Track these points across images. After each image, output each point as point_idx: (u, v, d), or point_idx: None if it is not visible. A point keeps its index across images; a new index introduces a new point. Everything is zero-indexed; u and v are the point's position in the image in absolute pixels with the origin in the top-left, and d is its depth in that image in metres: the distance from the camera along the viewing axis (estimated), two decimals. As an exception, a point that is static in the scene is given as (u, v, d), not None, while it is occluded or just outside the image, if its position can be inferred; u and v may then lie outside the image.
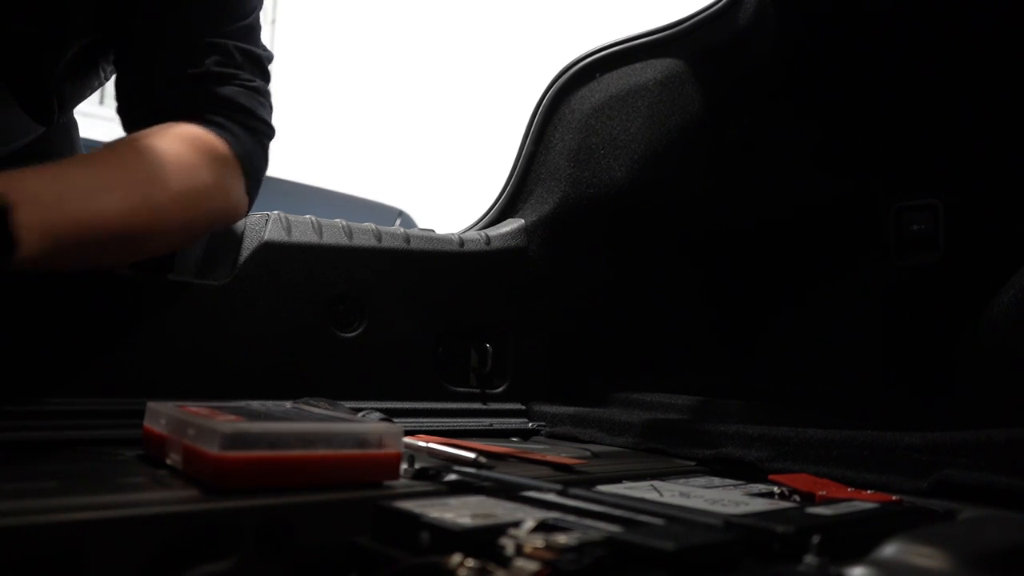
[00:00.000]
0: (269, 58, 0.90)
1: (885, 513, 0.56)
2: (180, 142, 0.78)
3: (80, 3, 0.85)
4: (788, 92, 1.13)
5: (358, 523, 0.49)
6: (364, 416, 0.80)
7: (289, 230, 0.92)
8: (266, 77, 0.89)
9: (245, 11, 0.87)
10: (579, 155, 1.11)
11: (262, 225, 0.91)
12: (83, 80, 0.96)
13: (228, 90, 0.84)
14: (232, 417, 0.56)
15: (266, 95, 0.88)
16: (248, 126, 0.85)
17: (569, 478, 0.69)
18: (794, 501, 0.63)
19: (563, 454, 0.82)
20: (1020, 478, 0.62)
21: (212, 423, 0.54)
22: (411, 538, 0.44)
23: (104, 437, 0.72)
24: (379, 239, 0.99)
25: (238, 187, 0.84)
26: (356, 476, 0.57)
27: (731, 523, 0.48)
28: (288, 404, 0.76)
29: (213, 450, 0.52)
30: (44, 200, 0.66)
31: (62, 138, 1.18)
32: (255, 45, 0.88)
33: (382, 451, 0.59)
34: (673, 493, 0.59)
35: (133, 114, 0.86)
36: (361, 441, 0.58)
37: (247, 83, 0.86)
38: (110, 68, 0.96)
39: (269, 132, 0.88)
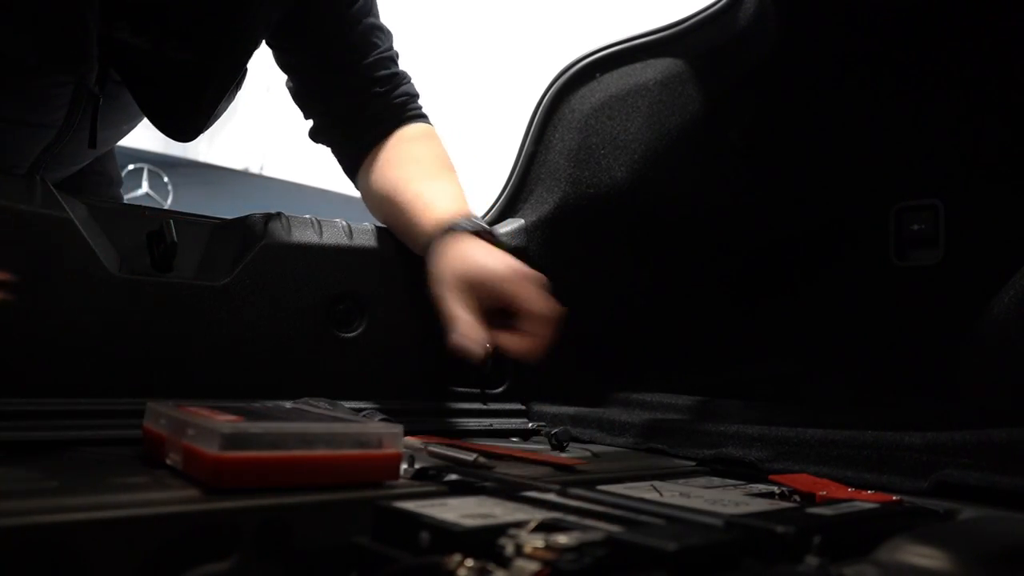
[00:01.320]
0: None
1: (885, 513, 0.56)
2: (433, 137, 1.04)
3: (259, 32, 0.95)
4: (788, 92, 1.13)
5: (358, 523, 0.49)
6: (364, 416, 0.80)
7: (289, 230, 0.92)
8: None
9: (377, 9, 1.03)
10: (579, 155, 1.11)
11: (262, 225, 0.91)
12: (231, 97, 1.02)
13: (409, 87, 1.05)
14: (232, 417, 0.56)
15: None
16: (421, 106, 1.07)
17: (569, 478, 0.69)
18: (794, 501, 0.63)
19: (563, 454, 0.82)
20: (1020, 478, 0.62)
21: (212, 423, 0.54)
22: (411, 538, 0.44)
23: (104, 437, 0.72)
24: (379, 239, 0.99)
25: None
26: (356, 476, 0.57)
27: (731, 523, 0.48)
28: (288, 404, 0.77)
29: (212, 450, 0.52)
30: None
31: (109, 156, 1.26)
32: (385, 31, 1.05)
33: (382, 451, 0.59)
34: (673, 493, 0.59)
35: (338, 120, 1.03)
36: (361, 441, 0.58)
37: (404, 74, 1.05)
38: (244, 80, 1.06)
39: None
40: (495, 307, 0.84)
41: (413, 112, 1.04)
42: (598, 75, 1.12)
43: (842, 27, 1.05)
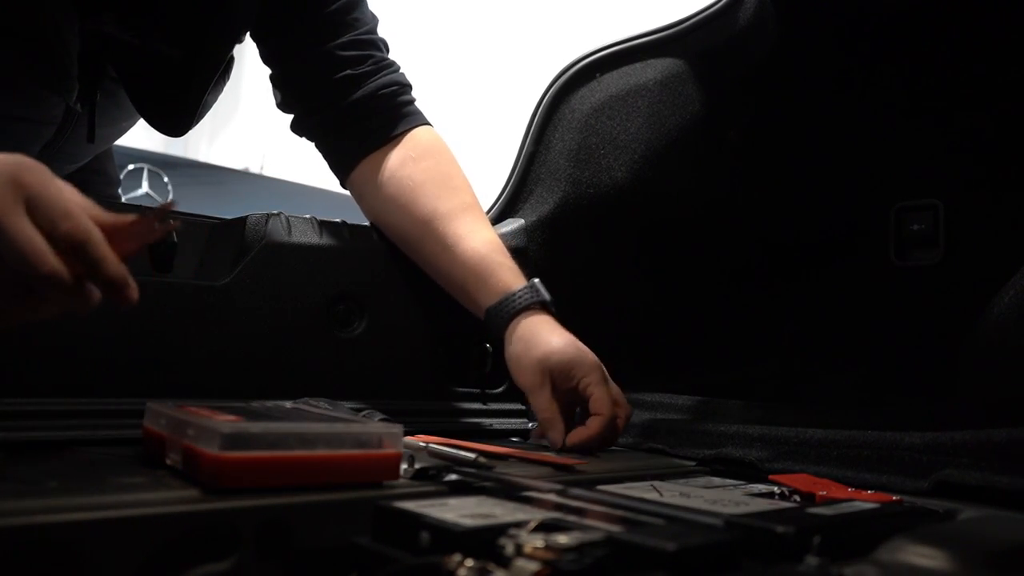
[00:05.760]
0: None
1: (885, 513, 0.56)
2: (442, 150, 1.01)
3: (240, 25, 0.94)
4: (788, 92, 1.13)
5: (358, 523, 0.49)
6: (364, 416, 0.80)
7: (289, 230, 0.92)
8: None
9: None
10: (579, 155, 1.11)
11: (262, 225, 0.91)
12: (217, 90, 1.01)
13: (397, 75, 1.00)
14: (232, 417, 0.56)
15: None
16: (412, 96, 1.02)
17: (569, 478, 0.69)
18: (794, 501, 0.63)
19: (563, 454, 0.82)
20: (1020, 478, 0.62)
21: (212, 423, 0.54)
22: (411, 538, 0.44)
23: (104, 437, 0.72)
24: (379, 239, 0.99)
25: None
26: (356, 476, 0.57)
27: (731, 523, 0.48)
28: (288, 404, 0.77)
29: (213, 450, 0.52)
30: None
31: (108, 156, 1.26)
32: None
33: (382, 451, 0.59)
34: (673, 493, 0.59)
35: (319, 110, 0.99)
36: (361, 441, 0.58)
37: (391, 62, 1.01)
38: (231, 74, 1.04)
39: None
40: (564, 388, 0.87)
41: (406, 107, 1.00)
42: (598, 75, 1.12)
43: (841, 27, 1.05)
